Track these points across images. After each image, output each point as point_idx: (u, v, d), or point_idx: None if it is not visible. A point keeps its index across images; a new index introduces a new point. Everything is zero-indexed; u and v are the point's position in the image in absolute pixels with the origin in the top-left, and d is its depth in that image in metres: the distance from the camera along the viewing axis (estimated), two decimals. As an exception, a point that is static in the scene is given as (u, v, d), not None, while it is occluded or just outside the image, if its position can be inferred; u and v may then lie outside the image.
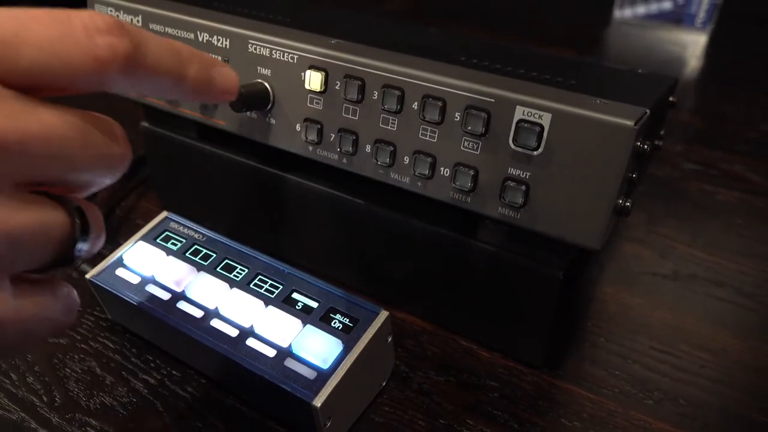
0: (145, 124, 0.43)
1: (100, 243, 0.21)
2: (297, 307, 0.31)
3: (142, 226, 0.37)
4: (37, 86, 0.18)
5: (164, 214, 0.37)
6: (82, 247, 0.20)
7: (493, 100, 0.27)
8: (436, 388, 0.34)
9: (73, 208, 0.20)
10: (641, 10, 0.98)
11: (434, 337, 0.37)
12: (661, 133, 0.42)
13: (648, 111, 0.27)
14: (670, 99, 0.38)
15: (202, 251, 0.35)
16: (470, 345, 0.37)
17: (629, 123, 0.25)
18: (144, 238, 0.36)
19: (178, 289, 0.33)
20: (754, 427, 0.33)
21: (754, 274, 0.44)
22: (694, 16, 0.95)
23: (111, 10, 0.37)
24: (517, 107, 0.27)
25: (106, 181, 0.21)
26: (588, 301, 0.41)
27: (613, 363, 0.36)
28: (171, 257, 0.34)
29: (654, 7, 0.97)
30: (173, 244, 0.35)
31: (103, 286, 0.33)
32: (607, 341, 0.37)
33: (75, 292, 0.21)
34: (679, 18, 0.96)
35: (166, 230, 0.36)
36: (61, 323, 0.21)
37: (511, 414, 0.33)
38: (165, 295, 0.32)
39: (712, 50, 0.89)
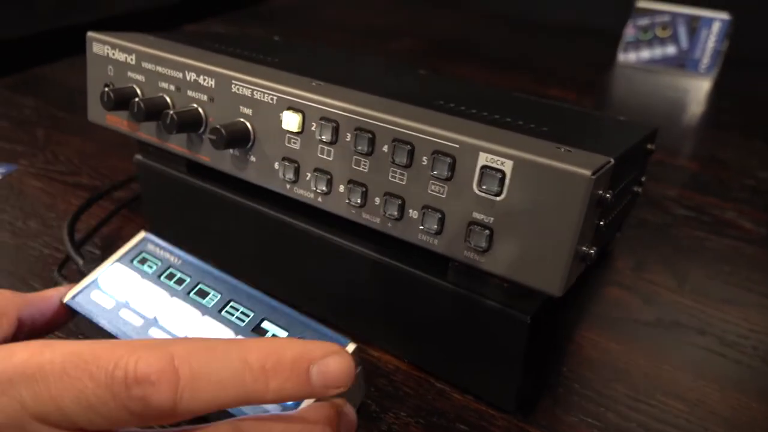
0: (138, 156, 0.44)
1: None
2: (266, 336, 0.32)
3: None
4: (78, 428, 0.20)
5: (142, 234, 0.37)
6: None
7: (458, 146, 0.28)
8: (404, 430, 0.34)
9: None
10: (645, 54, 0.99)
11: (408, 377, 0.37)
12: (642, 179, 0.42)
13: (612, 160, 0.28)
14: (648, 146, 0.38)
15: (176, 275, 0.35)
16: (444, 387, 0.37)
17: (586, 172, 0.25)
18: (121, 260, 0.36)
19: (150, 316, 0.33)
20: (725, 482, 0.32)
21: (738, 323, 0.43)
22: (698, 62, 0.96)
23: (107, 49, 0.39)
24: (480, 153, 0.27)
25: None
26: (564, 346, 0.40)
27: (586, 410, 0.36)
28: (145, 281, 0.35)
29: (658, 52, 0.98)
30: (149, 266, 0.36)
31: (78, 311, 0.34)
32: (582, 387, 0.37)
33: None
34: (683, 63, 0.97)
35: (143, 251, 0.37)
36: None
37: (478, 458, 0.32)
38: (138, 321, 0.33)
39: (714, 96, 0.89)
